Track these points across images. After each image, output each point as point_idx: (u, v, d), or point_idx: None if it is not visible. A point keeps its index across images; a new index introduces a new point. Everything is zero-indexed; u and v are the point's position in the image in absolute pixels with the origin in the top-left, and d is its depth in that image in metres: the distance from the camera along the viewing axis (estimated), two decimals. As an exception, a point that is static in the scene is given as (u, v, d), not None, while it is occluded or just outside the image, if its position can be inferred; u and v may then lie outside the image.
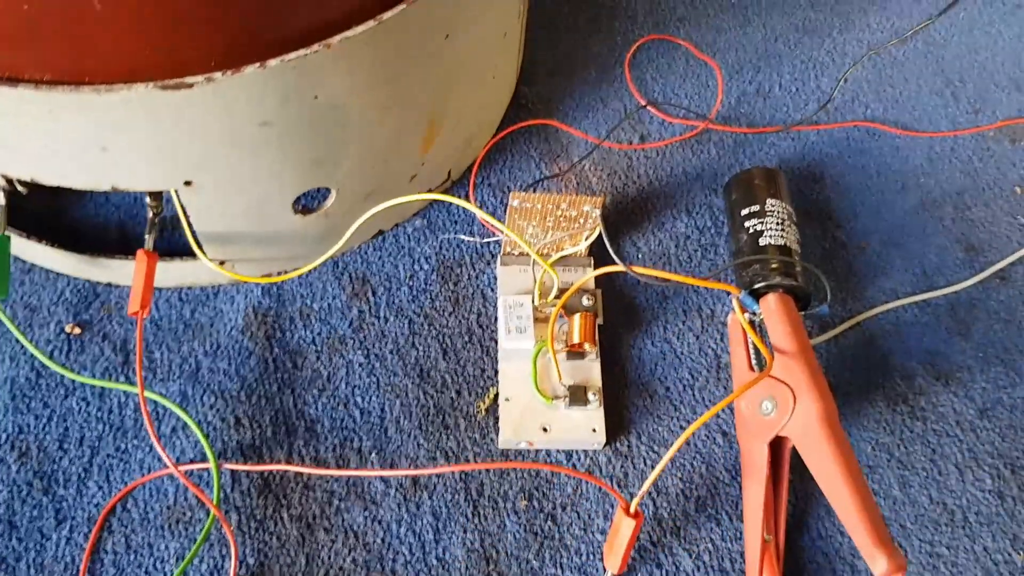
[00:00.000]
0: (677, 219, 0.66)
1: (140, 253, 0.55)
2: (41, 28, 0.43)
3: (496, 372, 0.59)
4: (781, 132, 0.71)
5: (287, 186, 0.55)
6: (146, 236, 0.56)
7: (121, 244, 0.63)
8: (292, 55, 0.47)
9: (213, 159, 0.51)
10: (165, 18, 0.44)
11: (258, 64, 0.46)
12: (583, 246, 0.61)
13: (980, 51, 0.78)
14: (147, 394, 0.56)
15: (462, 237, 0.64)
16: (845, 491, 0.49)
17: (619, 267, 0.57)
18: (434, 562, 0.53)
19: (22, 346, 0.58)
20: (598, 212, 0.58)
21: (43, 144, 0.49)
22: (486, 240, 0.64)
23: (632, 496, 0.54)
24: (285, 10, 0.47)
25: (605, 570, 0.53)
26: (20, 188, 0.56)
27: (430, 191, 0.65)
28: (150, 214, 0.56)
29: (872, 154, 0.71)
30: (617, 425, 0.58)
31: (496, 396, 0.58)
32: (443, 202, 0.66)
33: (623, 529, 0.51)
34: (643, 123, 0.71)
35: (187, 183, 0.52)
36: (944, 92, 0.75)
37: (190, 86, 0.46)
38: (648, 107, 0.71)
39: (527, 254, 0.62)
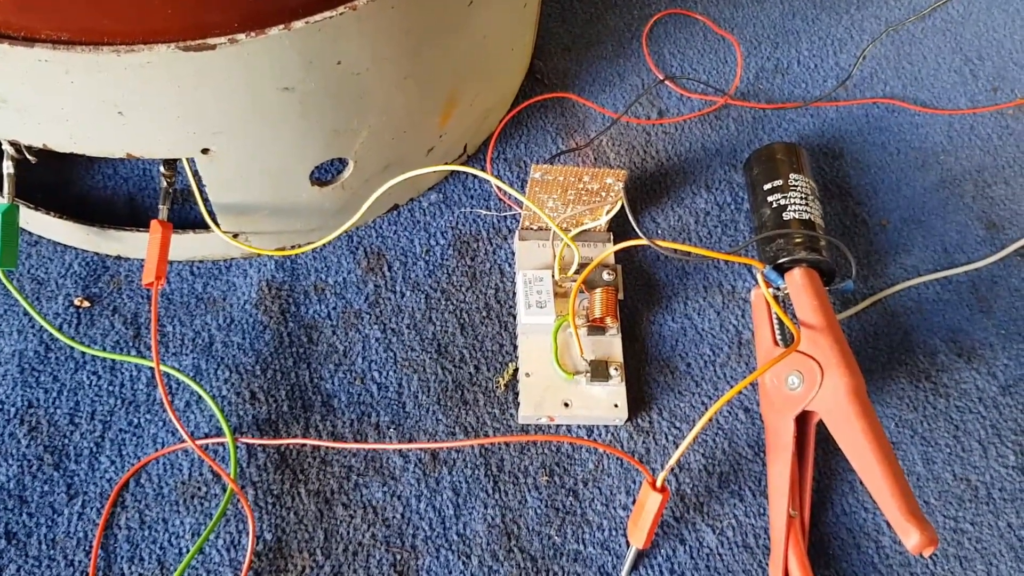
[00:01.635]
0: (696, 195, 0.66)
1: (154, 223, 0.54)
2: (60, -15, 0.42)
3: (515, 347, 0.58)
4: (800, 108, 0.71)
5: (305, 156, 0.54)
6: (160, 206, 0.55)
7: (130, 217, 0.62)
8: (317, 16, 0.46)
9: (232, 126, 0.50)
10: (188, -24, 0.43)
11: (282, 26, 0.45)
12: (603, 220, 0.60)
13: (998, 29, 0.77)
14: (161, 367, 0.55)
15: (479, 211, 0.63)
16: (875, 465, 0.48)
17: (642, 240, 0.56)
18: (455, 537, 0.52)
19: (30, 319, 0.57)
20: (621, 185, 0.57)
21: (58, 107, 0.47)
22: (503, 215, 0.63)
23: (656, 472, 0.53)
24: (310, -30, 0.45)
25: (629, 545, 0.52)
26: (30, 158, 0.55)
27: (446, 164, 0.64)
28: (164, 183, 0.55)
29: (892, 131, 0.70)
30: (638, 401, 0.57)
31: (515, 371, 0.58)
32: (459, 177, 0.65)
33: (649, 504, 0.50)
34: (661, 98, 0.70)
35: (204, 151, 0.51)
36: (963, 70, 0.74)
37: (212, 48, 0.44)
38: (666, 82, 0.70)
39: (546, 228, 0.61)
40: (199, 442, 0.53)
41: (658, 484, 0.49)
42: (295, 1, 0.45)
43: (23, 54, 0.44)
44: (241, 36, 0.45)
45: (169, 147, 0.50)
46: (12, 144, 0.54)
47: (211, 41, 0.44)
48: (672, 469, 0.55)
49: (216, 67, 0.46)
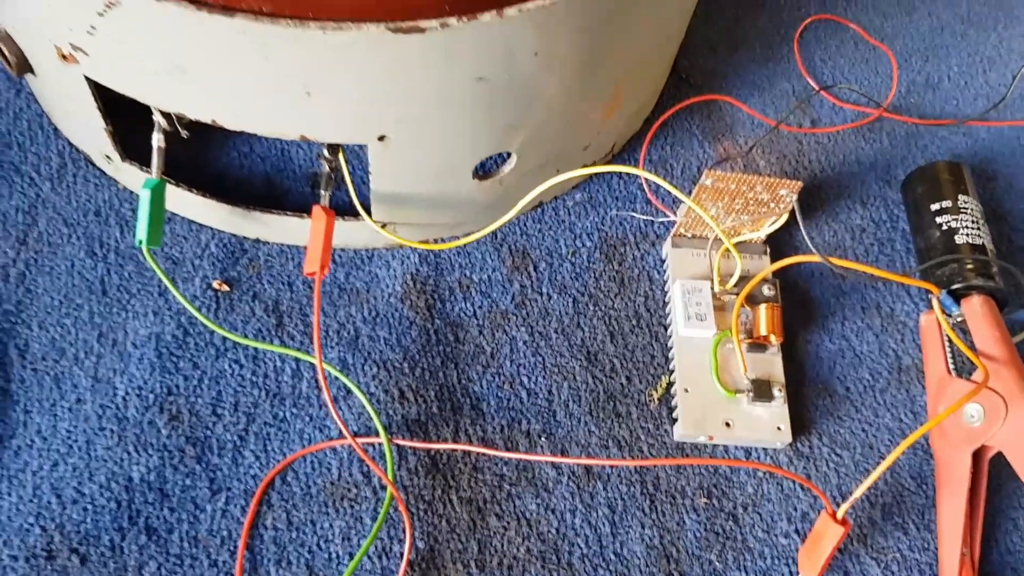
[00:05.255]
0: (852, 210, 0.63)
1: (317, 209, 0.51)
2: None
3: (667, 360, 0.56)
4: (952, 126, 0.68)
5: (477, 148, 0.52)
6: (321, 192, 0.52)
7: (266, 199, 0.59)
8: (530, 4, 0.43)
9: (417, 113, 0.47)
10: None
11: (495, 12, 0.42)
12: (763, 232, 0.58)
13: None
14: (308, 361, 0.53)
15: (630, 214, 0.61)
16: (1072, 510, 0.46)
17: (814, 257, 0.53)
18: (612, 557, 0.50)
19: (166, 300, 0.54)
20: (794, 197, 0.55)
21: (242, 83, 0.45)
22: (655, 219, 0.61)
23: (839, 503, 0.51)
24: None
25: (800, 577, 0.50)
26: (183, 132, 0.52)
27: (595, 163, 0.61)
28: (325, 168, 0.52)
29: (1046, 156, 0.68)
30: (797, 424, 0.55)
31: (669, 385, 0.55)
32: (603, 176, 0.62)
33: (827, 536, 0.48)
34: (813, 106, 0.68)
35: (381, 138, 0.48)
36: (1115, 96, 0.72)
37: (422, 31, 0.42)
38: (821, 92, 0.68)
39: (701, 236, 0.58)
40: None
41: (839, 516, 0.47)
42: (508, -14, 0.43)
43: (220, 24, 0.41)
44: (453, 20, 0.42)
45: (349, 132, 0.48)
46: (165, 116, 0.51)
47: (422, 23, 0.42)
48: (833, 497, 0.53)
49: (420, 51, 0.43)
